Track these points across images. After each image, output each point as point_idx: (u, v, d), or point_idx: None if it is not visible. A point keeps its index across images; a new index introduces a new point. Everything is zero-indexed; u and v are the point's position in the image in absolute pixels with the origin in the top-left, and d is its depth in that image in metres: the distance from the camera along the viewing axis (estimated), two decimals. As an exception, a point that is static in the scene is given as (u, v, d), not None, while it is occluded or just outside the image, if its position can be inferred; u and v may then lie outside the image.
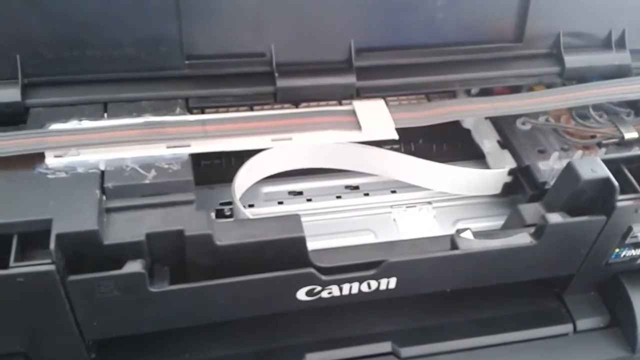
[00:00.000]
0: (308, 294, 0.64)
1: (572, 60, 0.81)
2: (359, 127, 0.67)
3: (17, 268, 0.53)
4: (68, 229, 0.54)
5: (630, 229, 0.68)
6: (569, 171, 0.66)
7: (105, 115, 0.66)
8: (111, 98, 0.68)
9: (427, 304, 0.73)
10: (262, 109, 0.73)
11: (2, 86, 0.66)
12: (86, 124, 0.64)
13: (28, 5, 0.65)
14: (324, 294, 0.64)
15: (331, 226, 0.77)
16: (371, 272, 0.63)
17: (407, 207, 0.80)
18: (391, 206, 0.80)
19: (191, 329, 0.66)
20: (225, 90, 0.71)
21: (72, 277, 0.55)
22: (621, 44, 0.83)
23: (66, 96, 0.67)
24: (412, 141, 0.86)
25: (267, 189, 0.79)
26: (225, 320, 0.66)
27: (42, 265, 0.53)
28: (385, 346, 0.70)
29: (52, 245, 0.53)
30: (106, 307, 0.58)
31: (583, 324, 0.76)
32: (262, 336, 0.69)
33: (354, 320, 0.71)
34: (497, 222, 0.77)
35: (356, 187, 0.82)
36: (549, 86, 0.83)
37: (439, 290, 0.71)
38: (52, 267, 0.53)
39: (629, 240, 0.70)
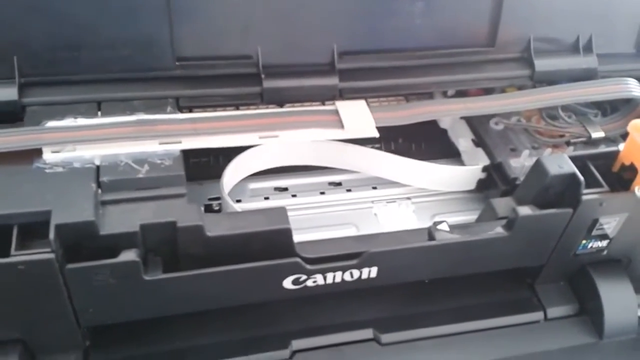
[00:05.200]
0: (294, 282, 0.67)
1: (542, 64, 0.84)
2: (342, 126, 0.71)
3: (18, 256, 0.55)
4: (66, 220, 0.57)
5: (595, 221, 0.72)
6: (538, 167, 0.70)
7: (99, 113, 0.69)
8: (105, 97, 0.70)
9: (406, 293, 0.76)
10: (249, 109, 0.76)
11: (0, 86, 0.68)
12: (81, 121, 0.66)
13: (25, 8, 0.67)
14: (309, 283, 0.67)
15: (315, 220, 0.80)
16: (353, 261, 0.67)
17: (388, 202, 0.83)
18: (372, 201, 0.83)
19: (181, 317, 0.68)
20: (214, 91, 0.73)
21: (70, 266, 0.57)
22: (588, 48, 0.86)
23: (61, 95, 0.69)
24: (392, 140, 0.89)
25: (254, 185, 0.82)
26: (214, 308, 0.69)
27: (42, 254, 0.55)
28: (367, 333, 0.73)
29: (51, 235, 0.56)
30: (102, 295, 0.61)
31: (553, 312, 0.79)
32: (250, 324, 0.72)
33: (337, 309, 0.74)
34: (472, 216, 0.80)
35: (339, 184, 0.85)
36: (520, 88, 0.86)
37: (418, 279, 0.75)
38: (51, 256, 0.56)
39: (595, 233, 0.74)
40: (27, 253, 0.56)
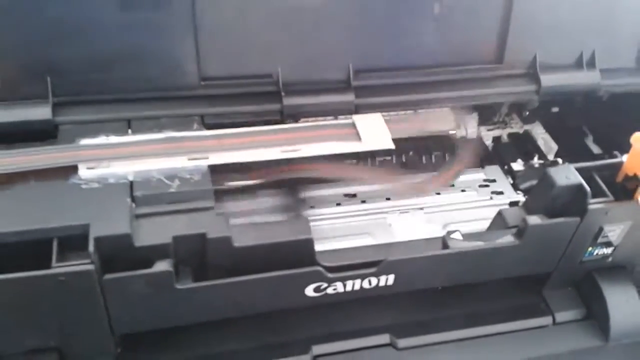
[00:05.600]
0: (315, 290, 0.70)
1: (547, 79, 0.87)
2: (359, 139, 0.74)
3: (59, 268, 0.59)
4: (104, 233, 0.60)
5: (601, 229, 0.75)
6: (546, 178, 0.73)
7: (130, 131, 0.72)
8: (134, 116, 0.73)
9: (421, 300, 0.79)
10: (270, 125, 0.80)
11: (35, 105, 0.71)
12: (113, 139, 0.70)
13: (58, 31, 0.71)
14: (330, 290, 0.71)
15: (333, 230, 0.83)
16: (372, 270, 0.70)
17: (401, 212, 0.86)
18: (386, 212, 0.86)
19: (208, 324, 0.71)
20: (237, 108, 0.77)
21: (108, 276, 0.60)
22: (592, 64, 0.89)
23: (93, 114, 0.73)
24: (403, 153, 0.93)
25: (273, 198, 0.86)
26: (239, 316, 0.73)
27: (82, 265, 0.59)
28: (384, 338, 0.77)
29: (91, 247, 0.59)
30: (136, 303, 0.64)
31: (561, 316, 0.82)
32: (273, 330, 0.75)
33: (355, 315, 0.77)
34: (483, 226, 0.82)
35: (354, 195, 0.88)
36: (526, 104, 0.90)
37: (432, 286, 0.78)
38: (91, 267, 0.59)
39: (600, 240, 0.77)
40: (68, 265, 0.59)
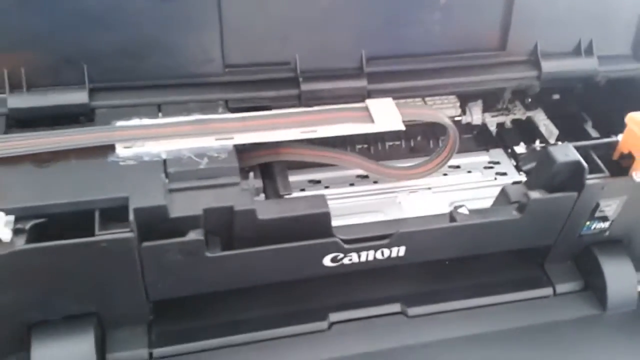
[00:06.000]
0: (332, 260, 0.75)
1: (548, 66, 0.92)
2: (372, 120, 0.80)
3: (102, 235, 0.64)
4: (142, 205, 0.65)
5: (597, 204, 0.80)
6: (546, 156, 0.79)
7: (160, 114, 0.78)
8: (164, 100, 0.79)
9: (429, 272, 0.85)
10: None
11: (73, 90, 0.77)
12: (146, 121, 0.75)
13: (94, 21, 0.76)
14: (346, 261, 0.76)
15: (347, 208, 0.88)
16: (385, 241, 0.76)
17: (410, 192, 0.92)
18: (396, 191, 0.92)
19: (230, 293, 0.77)
20: (258, 94, 0.82)
21: (146, 244, 0.66)
22: (589, 51, 0.94)
23: (126, 99, 0.78)
24: (412, 138, 0.99)
25: (290, 178, 0.91)
26: (262, 285, 0.78)
27: (123, 233, 0.65)
28: (395, 307, 0.82)
29: (131, 217, 0.65)
30: (169, 270, 0.70)
31: (561, 288, 0.88)
32: (293, 299, 0.81)
33: (369, 286, 0.83)
34: (488, 203, 0.87)
35: (366, 176, 0.94)
36: (529, 89, 0.95)
37: (440, 258, 0.83)
38: (131, 235, 0.64)
39: (597, 214, 0.82)
40: (111, 232, 0.65)
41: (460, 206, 0.79)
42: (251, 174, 0.82)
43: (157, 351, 0.74)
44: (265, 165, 0.85)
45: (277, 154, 0.83)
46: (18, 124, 0.75)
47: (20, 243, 0.63)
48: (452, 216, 0.78)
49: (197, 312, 0.79)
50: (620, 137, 0.82)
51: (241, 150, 0.76)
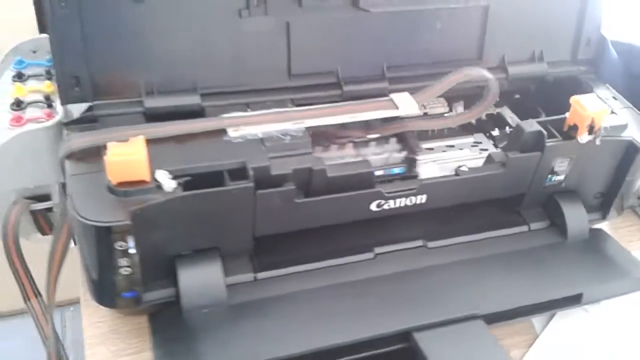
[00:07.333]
0: (377, 206, 1.05)
1: (513, 70, 1.18)
2: (396, 107, 1.12)
3: (231, 185, 0.93)
4: (255, 165, 0.94)
5: (555, 161, 1.09)
6: (518, 128, 1.08)
7: (249, 110, 1.07)
8: (251, 101, 1.06)
9: (441, 217, 1.12)
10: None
11: (189, 94, 1.04)
12: (242, 114, 1.06)
13: (207, 49, 1.04)
14: (385, 206, 1.07)
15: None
16: (413, 189, 1.06)
17: (423, 164, 1.19)
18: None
19: (304, 234, 1.03)
20: (314, 94, 1.12)
21: (259, 191, 0.95)
22: (541, 58, 1.22)
23: (225, 100, 1.06)
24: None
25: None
26: (327, 228, 1.06)
27: (246, 184, 0.93)
28: (419, 242, 1.10)
29: (250, 173, 0.94)
30: (271, 212, 0.97)
31: (534, 226, 1.13)
32: (349, 237, 1.08)
33: (400, 228, 1.11)
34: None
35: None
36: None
37: (449, 204, 1.12)
38: (251, 184, 0.93)
39: (555, 169, 1.09)
40: (237, 184, 0.94)
41: (462, 166, 1.13)
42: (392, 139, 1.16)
43: (259, 275, 1.02)
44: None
45: (402, 127, 1.15)
46: (152, 119, 1.03)
47: (179, 191, 0.91)
48: (457, 172, 1.10)
49: (279, 247, 1.01)
50: (567, 114, 1.15)
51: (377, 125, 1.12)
